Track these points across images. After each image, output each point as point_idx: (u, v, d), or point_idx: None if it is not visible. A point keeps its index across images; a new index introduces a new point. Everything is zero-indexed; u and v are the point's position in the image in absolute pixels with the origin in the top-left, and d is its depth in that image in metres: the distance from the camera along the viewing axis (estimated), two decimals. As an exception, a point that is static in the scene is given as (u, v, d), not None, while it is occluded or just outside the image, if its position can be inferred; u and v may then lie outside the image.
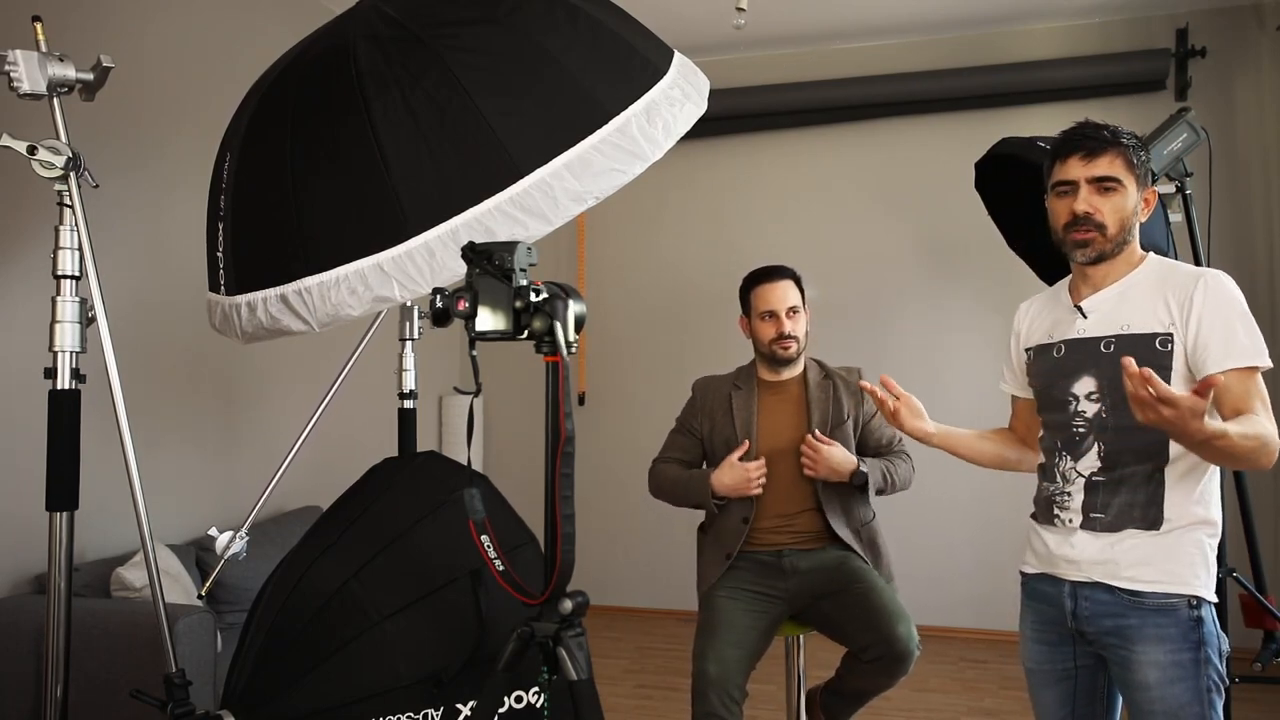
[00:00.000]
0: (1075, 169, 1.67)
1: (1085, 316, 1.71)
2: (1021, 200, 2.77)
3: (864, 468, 2.41)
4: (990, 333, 4.32)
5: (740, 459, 2.43)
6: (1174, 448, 1.59)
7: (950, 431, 2.00)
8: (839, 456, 2.39)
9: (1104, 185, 1.65)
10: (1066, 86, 4.20)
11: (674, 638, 4.36)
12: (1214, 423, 1.40)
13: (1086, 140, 1.66)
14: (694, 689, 2.23)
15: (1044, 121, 4.23)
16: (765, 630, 2.37)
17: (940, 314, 4.44)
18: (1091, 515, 1.65)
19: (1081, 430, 1.68)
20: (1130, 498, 1.62)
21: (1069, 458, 1.69)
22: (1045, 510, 1.74)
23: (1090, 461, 1.66)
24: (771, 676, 2.97)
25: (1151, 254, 1.73)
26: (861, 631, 2.29)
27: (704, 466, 2.59)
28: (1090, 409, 1.67)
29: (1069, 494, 1.69)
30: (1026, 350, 1.84)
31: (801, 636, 2.55)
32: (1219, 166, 3.86)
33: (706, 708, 2.20)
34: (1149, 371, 1.36)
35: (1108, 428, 1.65)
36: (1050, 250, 2.86)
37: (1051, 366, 1.75)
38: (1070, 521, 1.68)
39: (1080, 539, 1.66)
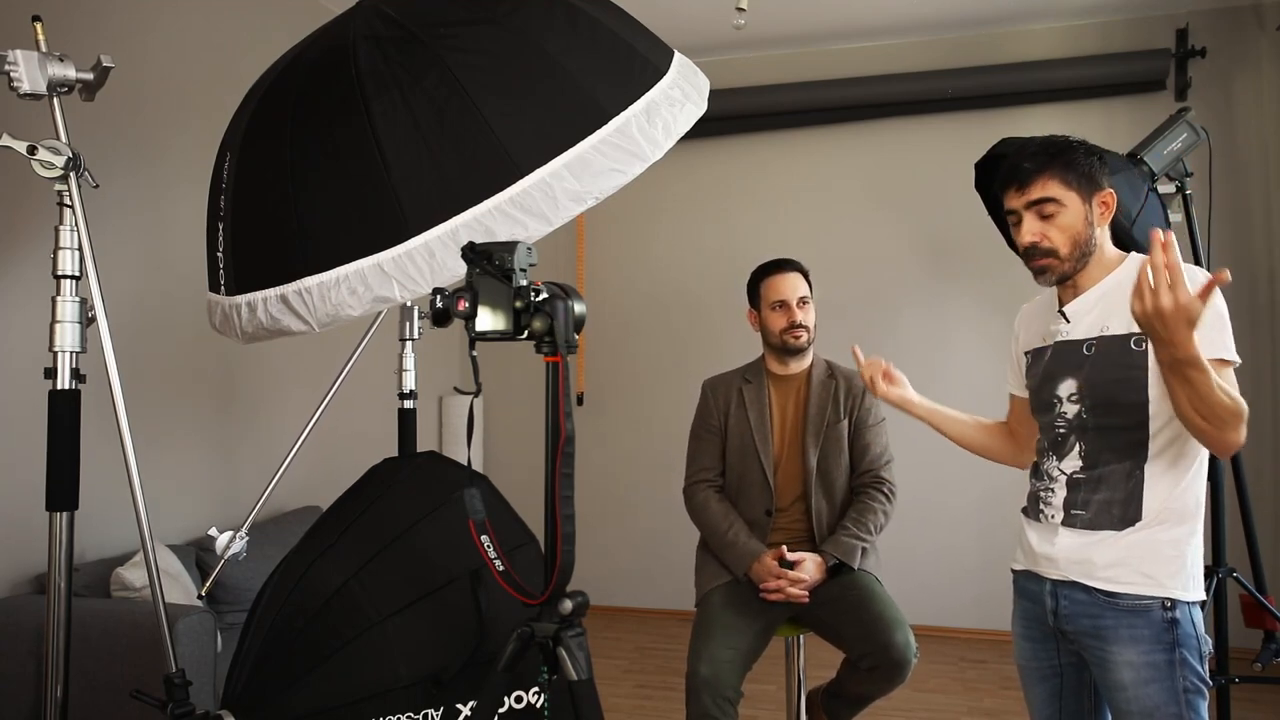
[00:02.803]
0: (1013, 200, 1.69)
1: (1068, 321, 1.73)
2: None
3: (832, 560, 2.39)
4: (990, 333, 4.32)
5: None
6: (1152, 445, 1.61)
7: (936, 409, 2.03)
8: (811, 571, 2.35)
9: (1042, 210, 1.66)
10: (1066, 86, 4.20)
11: (673, 638, 4.36)
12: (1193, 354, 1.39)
13: (1015, 170, 1.68)
14: (688, 690, 2.24)
15: (1044, 121, 4.25)
16: (761, 632, 2.38)
17: (940, 314, 4.44)
18: (1072, 512, 1.67)
19: (1063, 430, 1.70)
20: (1109, 495, 1.63)
21: (1054, 457, 1.72)
22: (1033, 506, 1.77)
23: (1072, 461, 1.68)
24: (771, 676, 2.97)
25: (1133, 254, 1.74)
26: (858, 640, 2.29)
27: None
28: (1071, 410, 1.69)
29: (1052, 490, 1.71)
30: (1025, 354, 1.86)
31: (801, 637, 2.55)
32: (1219, 166, 3.86)
33: (700, 709, 2.20)
34: (1174, 255, 1.34)
35: (1088, 428, 1.66)
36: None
37: (1042, 369, 1.77)
38: (1053, 517, 1.70)
39: (1061, 536, 1.68)
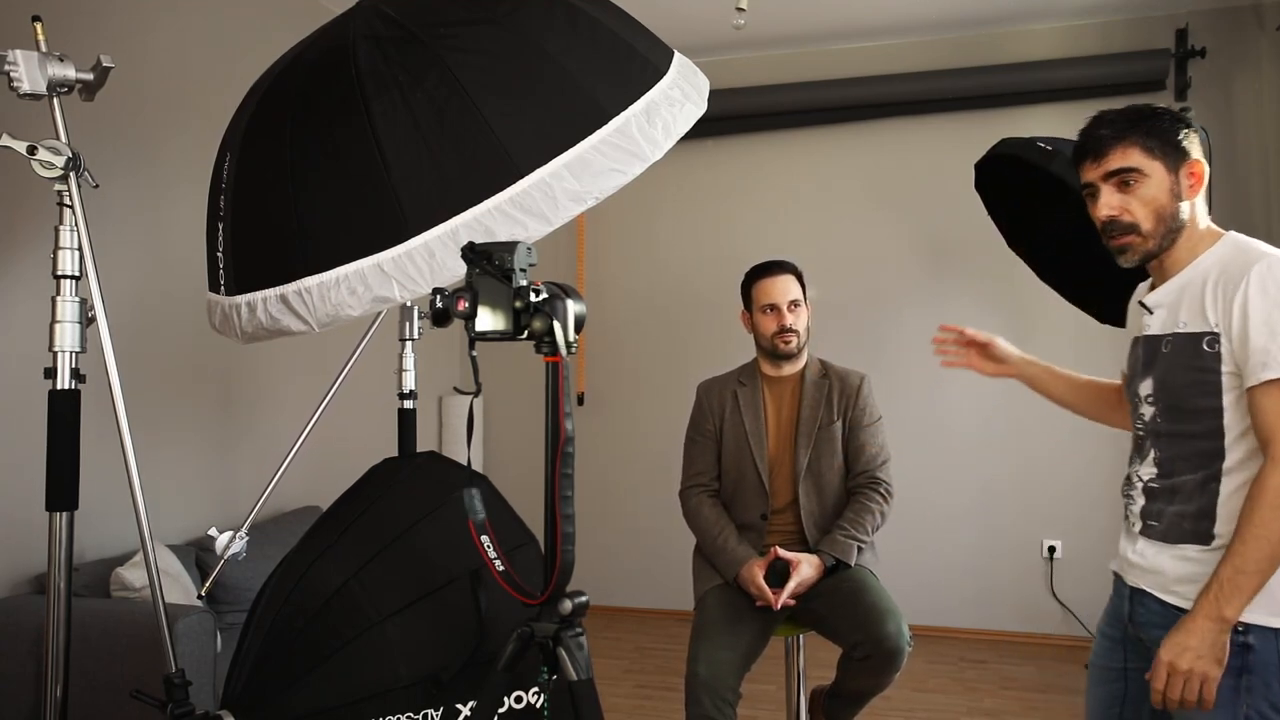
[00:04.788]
0: (1089, 171, 1.56)
1: (1151, 312, 1.59)
2: (1021, 201, 2.77)
3: (829, 560, 2.39)
4: (990, 332, 4.31)
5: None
6: (1229, 457, 1.47)
7: (1032, 365, 1.91)
8: (807, 573, 2.35)
9: (1122, 180, 1.53)
10: (1066, 86, 4.20)
11: (673, 638, 4.36)
12: (1219, 607, 1.40)
13: (1092, 141, 1.56)
14: (687, 691, 2.24)
15: (1044, 121, 4.24)
16: (759, 632, 2.38)
17: (940, 314, 4.42)
18: (1148, 522, 1.58)
19: (1141, 434, 1.60)
20: (1182, 508, 1.52)
21: (1137, 460, 1.63)
22: (1124, 511, 1.68)
23: (1148, 468, 1.58)
24: (771, 676, 2.97)
25: (1232, 234, 1.57)
26: (851, 630, 2.29)
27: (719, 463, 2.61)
28: (1148, 412, 1.58)
29: (1132, 498, 1.63)
30: (1132, 340, 1.70)
31: (801, 636, 2.55)
32: (1219, 166, 3.86)
33: (699, 710, 2.20)
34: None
35: (1161, 433, 1.56)
36: (1050, 251, 2.87)
37: (1130, 364, 1.65)
38: (1134, 525, 1.62)
39: (1140, 544, 1.60)
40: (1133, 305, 1.70)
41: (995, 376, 1.96)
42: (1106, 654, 1.70)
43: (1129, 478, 1.65)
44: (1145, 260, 1.56)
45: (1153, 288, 1.62)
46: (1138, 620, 1.61)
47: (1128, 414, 1.74)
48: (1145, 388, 1.58)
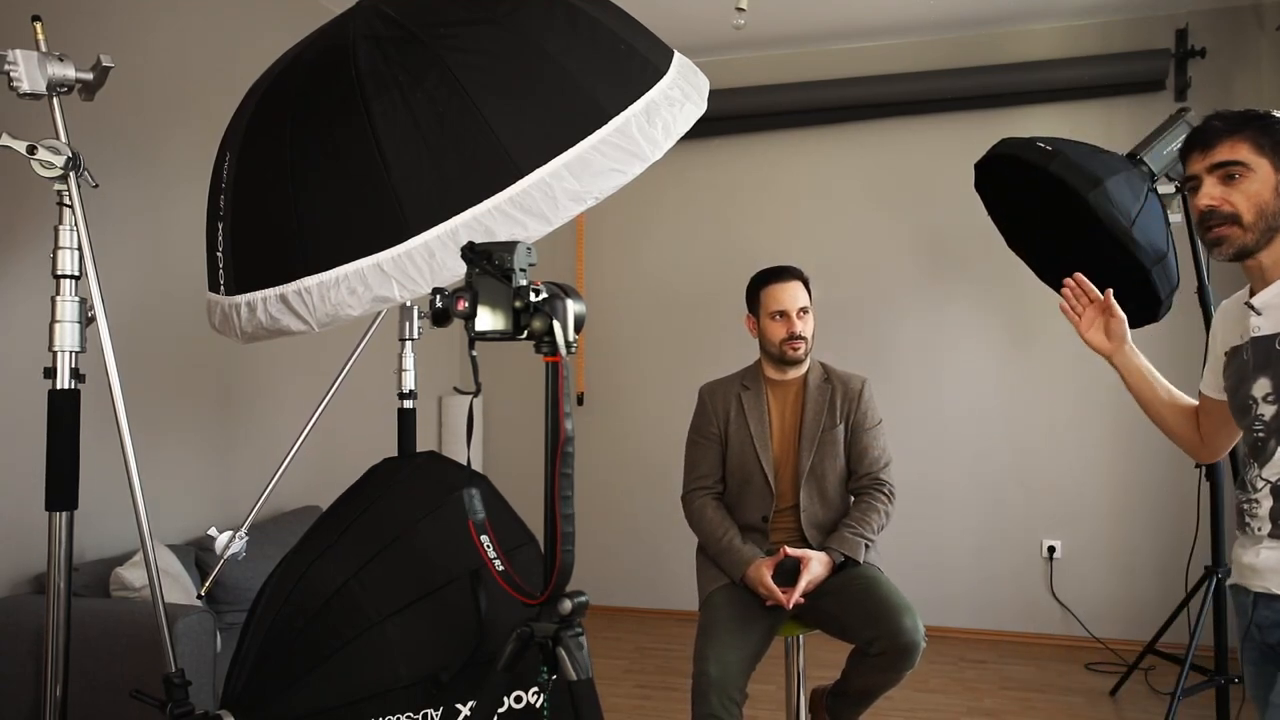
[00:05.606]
0: (1195, 163, 1.57)
1: (1259, 313, 1.57)
2: (1021, 201, 2.78)
3: (839, 557, 2.40)
4: (990, 333, 4.32)
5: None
6: None
7: (1136, 356, 1.83)
8: (818, 571, 2.36)
9: (1227, 173, 1.53)
10: (1066, 86, 4.20)
11: (674, 638, 4.36)
12: None
13: (1201, 133, 1.57)
14: (694, 690, 2.24)
15: (1044, 121, 4.25)
16: (766, 631, 2.38)
17: (939, 314, 4.44)
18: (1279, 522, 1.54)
19: (1261, 435, 1.57)
20: None
21: (1255, 464, 1.59)
22: (1240, 519, 1.65)
23: (1275, 467, 1.55)
24: (771, 676, 2.97)
25: None
26: (865, 625, 2.29)
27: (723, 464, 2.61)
28: (1268, 411, 1.55)
29: (1257, 501, 1.58)
30: (1225, 353, 1.70)
31: (801, 636, 2.55)
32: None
33: (707, 709, 2.20)
34: None
35: None
36: (1050, 251, 2.87)
37: (1238, 369, 1.62)
38: (1260, 530, 1.58)
39: (1265, 547, 1.56)
40: (1227, 311, 1.70)
41: (1095, 349, 1.87)
42: (1253, 682, 1.63)
43: (1246, 484, 1.61)
44: (1239, 256, 1.56)
45: (1252, 293, 1.62)
46: (1261, 623, 1.58)
47: (1200, 438, 1.78)
48: (1261, 388, 1.56)
